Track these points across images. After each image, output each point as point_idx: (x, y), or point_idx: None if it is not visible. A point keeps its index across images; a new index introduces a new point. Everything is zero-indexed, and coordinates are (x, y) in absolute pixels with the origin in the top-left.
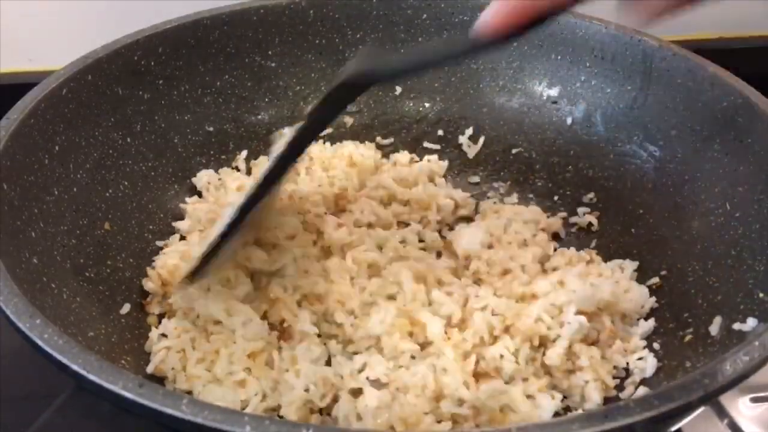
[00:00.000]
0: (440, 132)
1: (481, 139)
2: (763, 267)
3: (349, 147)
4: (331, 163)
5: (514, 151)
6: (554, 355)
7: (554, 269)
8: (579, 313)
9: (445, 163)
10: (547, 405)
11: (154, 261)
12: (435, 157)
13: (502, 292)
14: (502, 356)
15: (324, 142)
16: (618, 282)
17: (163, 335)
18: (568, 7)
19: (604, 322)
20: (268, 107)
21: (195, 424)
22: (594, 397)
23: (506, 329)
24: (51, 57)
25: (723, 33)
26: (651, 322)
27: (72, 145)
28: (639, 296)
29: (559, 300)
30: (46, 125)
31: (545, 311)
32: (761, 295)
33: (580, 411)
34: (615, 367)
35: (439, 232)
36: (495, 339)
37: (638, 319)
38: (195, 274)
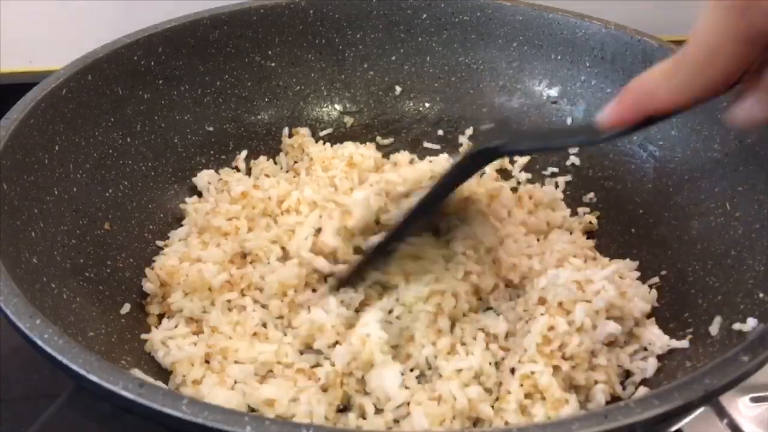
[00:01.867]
0: (440, 132)
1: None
2: (763, 267)
3: (349, 147)
4: (332, 164)
5: None
6: (578, 347)
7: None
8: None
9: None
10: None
11: (154, 261)
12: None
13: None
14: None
15: (324, 143)
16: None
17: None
18: (684, 110)
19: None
20: (268, 107)
21: (195, 424)
22: (599, 398)
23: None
24: (51, 57)
25: None
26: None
27: (72, 145)
28: (648, 297)
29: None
30: (46, 125)
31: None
32: (761, 295)
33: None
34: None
35: None
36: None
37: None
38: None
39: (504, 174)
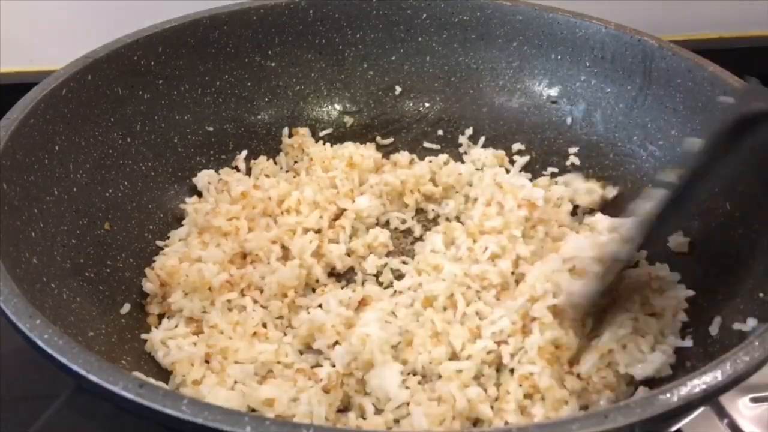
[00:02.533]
0: (440, 132)
1: (482, 139)
2: (763, 267)
3: (349, 148)
4: (332, 164)
5: (514, 150)
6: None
7: None
8: None
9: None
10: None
11: (154, 261)
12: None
13: None
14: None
15: (324, 143)
16: None
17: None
18: None
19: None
20: (268, 107)
21: (195, 424)
22: (602, 403)
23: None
24: (51, 57)
25: (723, 33)
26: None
27: (72, 145)
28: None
29: None
30: (46, 125)
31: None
32: (761, 295)
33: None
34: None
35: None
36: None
37: None
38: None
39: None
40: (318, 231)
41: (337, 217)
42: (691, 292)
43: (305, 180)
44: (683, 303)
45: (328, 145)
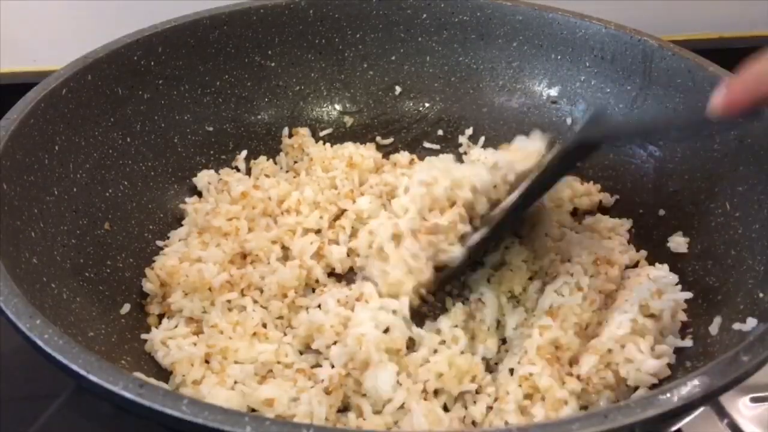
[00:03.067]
0: (440, 132)
1: (482, 139)
2: (763, 267)
3: (349, 148)
4: (332, 164)
5: None
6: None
7: None
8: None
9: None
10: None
11: (154, 261)
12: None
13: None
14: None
15: (324, 143)
16: None
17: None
18: None
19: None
20: (268, 107)
21: (195, 424)
22: (602, 404)
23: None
24: (51, 57)
25: (723, 33)
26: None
27: (72, 145)
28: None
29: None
30: (46, 125)
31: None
32: (761, 295)
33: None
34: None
35: None
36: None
37: None
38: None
39: None
40: (318, 231)
41: (337, 217)
42: (689, 295)
43: (305, 180)
44: (682, 305)
45: (328, 145)
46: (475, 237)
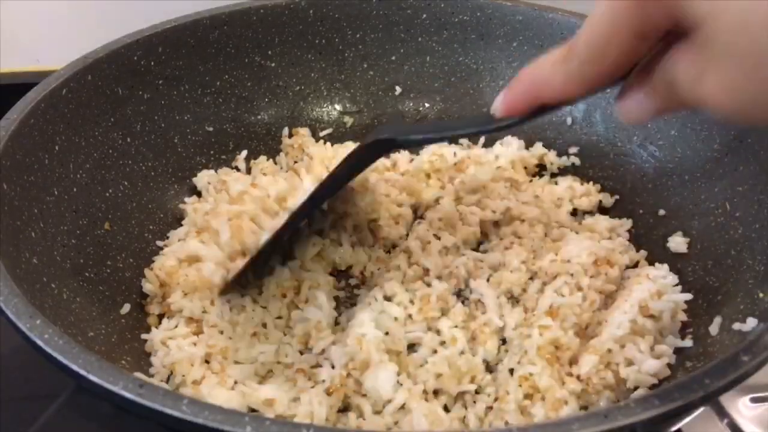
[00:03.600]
0: None
1: (481, 139)
2: (763, 267)
3: (350, 147)
4: (333, 163)
5: None
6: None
7: None
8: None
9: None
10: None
11: (153, 261)
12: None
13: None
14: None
15: (325, 143)
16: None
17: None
18: (575, 101)
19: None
20: (268, 107)
21: (195, 424)
22: (602, 404)
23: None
24: (51, 57)
25: None
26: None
27: (72, 145)
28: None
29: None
30: (46, 125)
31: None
32: (761, 295)
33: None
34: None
35: None
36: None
37: None
38: (231, 285)
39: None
40: (320, 232)
41: (340, 217)
42: (689, 296)
43: (307, 178)
44: (682, 305)
45: (328, 144)
46: (263, 237)
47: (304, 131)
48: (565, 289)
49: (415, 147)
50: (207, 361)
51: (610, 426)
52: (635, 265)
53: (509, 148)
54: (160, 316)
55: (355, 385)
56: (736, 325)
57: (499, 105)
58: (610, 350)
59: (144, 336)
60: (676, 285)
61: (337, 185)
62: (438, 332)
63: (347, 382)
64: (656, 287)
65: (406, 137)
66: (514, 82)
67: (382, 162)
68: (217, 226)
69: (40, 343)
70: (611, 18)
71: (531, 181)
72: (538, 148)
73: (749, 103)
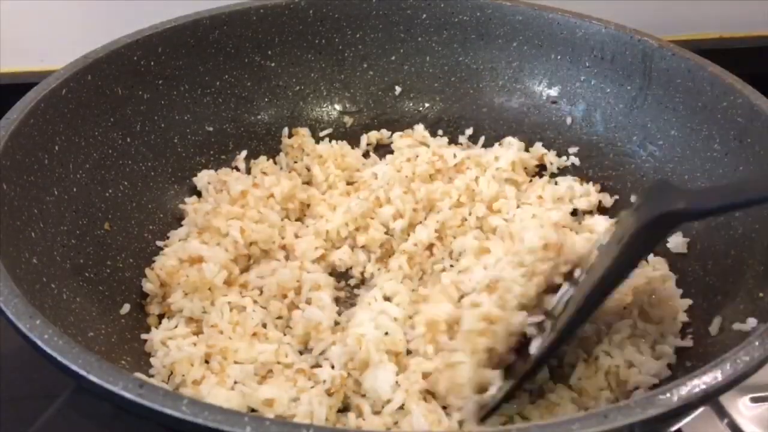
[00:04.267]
0: (440, 132)
1: (482, 139)
2: (763, 267)
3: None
4: (339, 162)
5: None
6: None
7: None
8: None
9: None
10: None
11: (153, 261)
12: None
13: None
14: None
15: (330, 141)
16: None
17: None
18: None
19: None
20: (268, 107)
21: (195, 424)
22: (601, 405)
23: None
24: (51, 57)
25: (723, 33)
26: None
27: (72, 145)
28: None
29: None
30: (46, 125)
31: None
32: (761, 295)
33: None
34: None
35: None
36: None
37: None
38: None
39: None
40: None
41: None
42: (688, 302)
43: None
44: (682, 306)
45: (334, 142)
46: (541, 342)
47: (304, 131)
48: (509, 267)
49: (708, 218)
50: (207, 361)
51: (610, 426)
52: None
53: (509, 148)
54: (160, 316)
55: (355, 386)
56: (736, 325)
57: None
58: (607, 353)
59: (144, 336)
60: (676, 286)
61: (606, 291)
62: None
63: (347, 382)
64: (657, 296)
65: (699, 207)
66: None
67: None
68: (223, 227)
69: (40, 343)
70: None
71: (531, 181)
72: (538, 148)
73: None
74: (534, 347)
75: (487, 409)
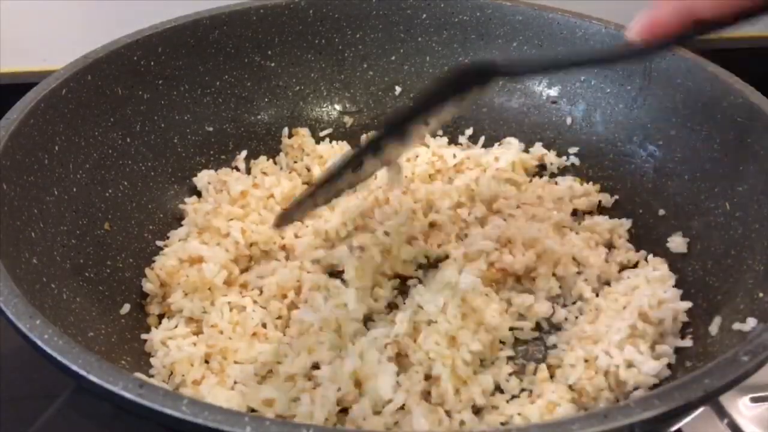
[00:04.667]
0: (440, 132)
1: (482, 139)
2: (763, 267)
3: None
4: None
5: None
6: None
7: None
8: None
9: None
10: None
11: (153, 261)
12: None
13: None
14: None
15: (330, 141)
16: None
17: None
18: (735, 20)
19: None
20: (268, 107)
21: (195, 424)
22: (600, 405)
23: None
24: (51, 57)
25: (723, 33)
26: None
27: (72, 145)
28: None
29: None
30: (46, 125)
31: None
32: (761, 295)
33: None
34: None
35: None
36: None
37: None
38: (283, 220)
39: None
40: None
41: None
42: (689, 304)
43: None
44: (682, 307)
45: (335, 143)
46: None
47: (304, 131)
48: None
49: (516, 77)
50: (207, 361)
51: (610, 426)
52: (635, 266)
53: (509, 149)
54: (160, 316)
55: (357, 386)
56: (736, 325)
57: (640, 27)
58: (606, 352)
59: (144, 336)
60: (676, 286)
61: (414, 115)
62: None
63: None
64: (657, 298)
65: (512, 68)
66: (657, 2)
67: None
68: (223, 227)
69: (40, 343)
70: None
71: (531, 181)
72: (538, 148)
73: None
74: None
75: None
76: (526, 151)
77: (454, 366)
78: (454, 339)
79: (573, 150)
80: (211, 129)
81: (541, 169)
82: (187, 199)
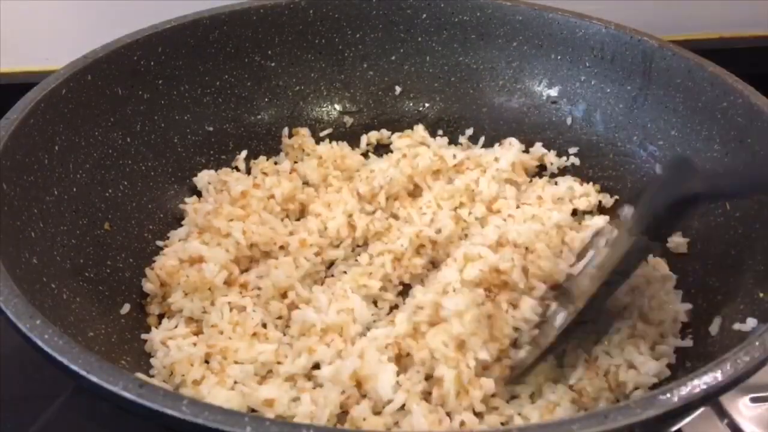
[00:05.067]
0: (440, 132)
1: (482, 139)
2: (763, 267)
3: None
4: (338, 163)
5: None
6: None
7: None
8: None
9: None
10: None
11: (154, 261)
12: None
13: None
14: None
15: (330, 141)
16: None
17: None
18: None
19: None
20: (268, 107)
21: (195, 424)
22: (601, 404)
23: None
24: (51, 57)
25: (723, 33)
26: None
27: (72, 145)
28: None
29: None
30: (46, 125)
31: None
32: (761, 295)
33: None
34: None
35: None
36: None
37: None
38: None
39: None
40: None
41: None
42: (688, 306)
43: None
44: (682, 308)
45: (335, 142)
46: (565, 315)
47: (304, 131)
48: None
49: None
50: (207, 361)
51: (610, 426)
52: None
53: (509, 149)
54: (160, 316)
55: (358, 387)
56: (736, 325)
57: None
58: (607, 353)
59: (144, 336)
60: (676, 286)
61: (620, 282)
62: None
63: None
64: (657, 300)
65: (716, 190)
66: None
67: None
68: (224, 228)
69: (40, 343)
70: None
71: (531, 181)
72: (538, 148)
73: None
74: (559, 319)
75: (517, 372)
76: (526, 151)
77: (459, 371)
78: (463, 343)
79: (573, 150)
80: (211, 129)
81: (541, 169)
82: (187, 199)
